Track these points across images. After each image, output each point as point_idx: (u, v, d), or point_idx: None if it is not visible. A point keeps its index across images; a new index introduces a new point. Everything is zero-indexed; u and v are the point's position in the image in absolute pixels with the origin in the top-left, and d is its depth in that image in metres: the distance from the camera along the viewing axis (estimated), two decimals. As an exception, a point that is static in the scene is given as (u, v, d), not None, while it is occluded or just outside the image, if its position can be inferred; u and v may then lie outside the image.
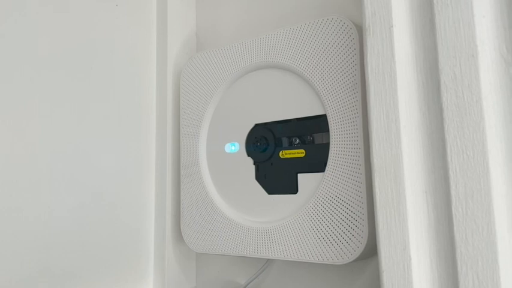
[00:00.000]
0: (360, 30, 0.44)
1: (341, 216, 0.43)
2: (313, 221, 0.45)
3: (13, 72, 0.46)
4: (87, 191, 0.52)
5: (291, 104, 0.49)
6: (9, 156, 0.45)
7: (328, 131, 0.45)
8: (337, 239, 0.43)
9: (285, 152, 0.49)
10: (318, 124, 0.47)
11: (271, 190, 0.50)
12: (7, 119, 0.45)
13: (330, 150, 0.45)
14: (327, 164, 0.44)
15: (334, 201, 0.43)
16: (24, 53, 0.47)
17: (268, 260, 0.52)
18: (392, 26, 0.35)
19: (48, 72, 0.49)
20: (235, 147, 0.53)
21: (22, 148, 0.46)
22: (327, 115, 0.45)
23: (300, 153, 0.47)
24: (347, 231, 0.42)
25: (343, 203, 0.43)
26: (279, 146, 0.50)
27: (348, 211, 0.42)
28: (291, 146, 0.49)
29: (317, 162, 0.46)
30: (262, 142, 0.51)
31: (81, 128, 0.52)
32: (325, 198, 0.44)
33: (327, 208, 0.44)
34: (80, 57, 0.53)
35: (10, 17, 0.46)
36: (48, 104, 0.49)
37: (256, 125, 0.52)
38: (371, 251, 0.42)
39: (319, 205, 0.44)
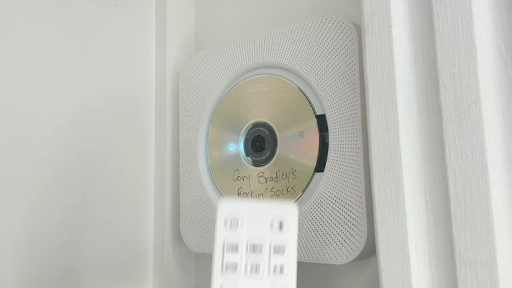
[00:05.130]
0: (358, 30, 0.44)
1: (340, 216, 0.43)
2: (312, 221, 0.44)
3: (13, 70, 0.46)
4: (86, 192, 0.52)
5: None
6: (12, 156, 0.45)
7: (327, 131, 0.45)
8: (336, 239, 0.43)
9: (284, 152, 0.49)
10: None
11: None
12: (9, 124, 0.45)
13: (329, 150, 0.44)
14: (326, 164, 0.44)
15: (333, 201, 0.43)
16: (23, 52, 0.47)
17: (267, 260, 0.52)
18: (391, 26, 0.35)
19: (46, 71, 0.49)
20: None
21: (23, 150, 0.46)
22: (326, 115, 0.45)
23: (299, 153, 0.47)
24: (346, 231, 0.42)
25: (342, 203, 0.43)
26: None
27: (347, 211, 0.42)
28: (290, 146, 0.49)
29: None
30: (260, 142, 0.51)
31: (79, 129, 0.52)
32: (324, 198, 0.44)
33: (326, 208, 0.44)
34: (79, 57, 0.53)
35: (10, 15, 0.46)
36: (46, 105, 0.49)
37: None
38: (370, 251, 0.42)
39: (318, 205, 0.44)
